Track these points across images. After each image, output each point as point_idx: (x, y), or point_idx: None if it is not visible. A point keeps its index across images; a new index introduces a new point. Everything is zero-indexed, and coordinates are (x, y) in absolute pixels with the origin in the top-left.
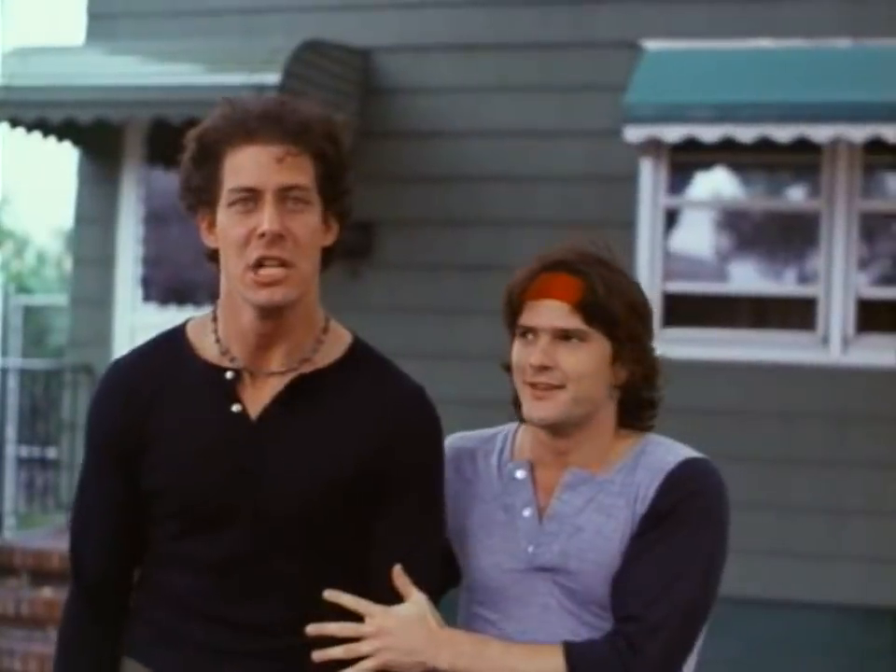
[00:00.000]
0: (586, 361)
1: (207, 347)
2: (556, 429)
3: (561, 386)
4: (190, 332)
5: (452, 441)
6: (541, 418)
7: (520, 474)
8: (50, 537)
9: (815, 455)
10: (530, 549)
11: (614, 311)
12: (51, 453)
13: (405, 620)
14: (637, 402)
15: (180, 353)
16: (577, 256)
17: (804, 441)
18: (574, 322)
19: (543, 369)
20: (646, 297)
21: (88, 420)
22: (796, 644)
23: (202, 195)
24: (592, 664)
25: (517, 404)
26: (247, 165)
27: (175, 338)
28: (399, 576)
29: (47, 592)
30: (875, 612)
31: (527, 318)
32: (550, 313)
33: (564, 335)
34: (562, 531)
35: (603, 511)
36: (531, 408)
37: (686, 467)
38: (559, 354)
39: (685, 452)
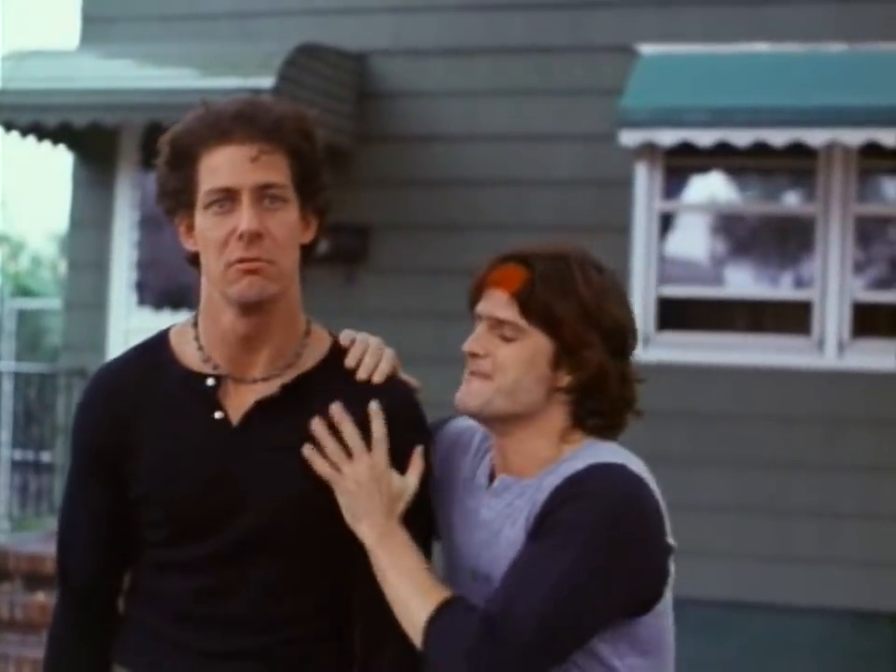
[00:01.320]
0: (516, 354)
1: (189, 354)
2: (489, 423)
3: (488, 376)
4: (172, 339)
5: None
6: (462, 403)
7: (481, 480)
8: (44, 541)
9: (810, 458)
10: (474, 555)
11: (556, 309)
12: (45, 456)
13: (380, 482)
14: (585, 409)
15: (162, 360)
16: (539, 251)
17: (799, 445)
18: (509, 313)
19: (474, 356)
20: (623, 311)
21: (73, 429)
22: (791, 648)
23: (179, 198)
24: (447, 634)
25: None
26: (222, 166)
27: (157, 345)
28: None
29: (41, 596)
30: (869, 616)
31: (478, 306)
32: (491, 301)
33: (499, 325)
34: (488, 538)
35: (511, 516)
36: (457, 395)
37: (585, 471)
38: (492, 343)
39: (603, 458)
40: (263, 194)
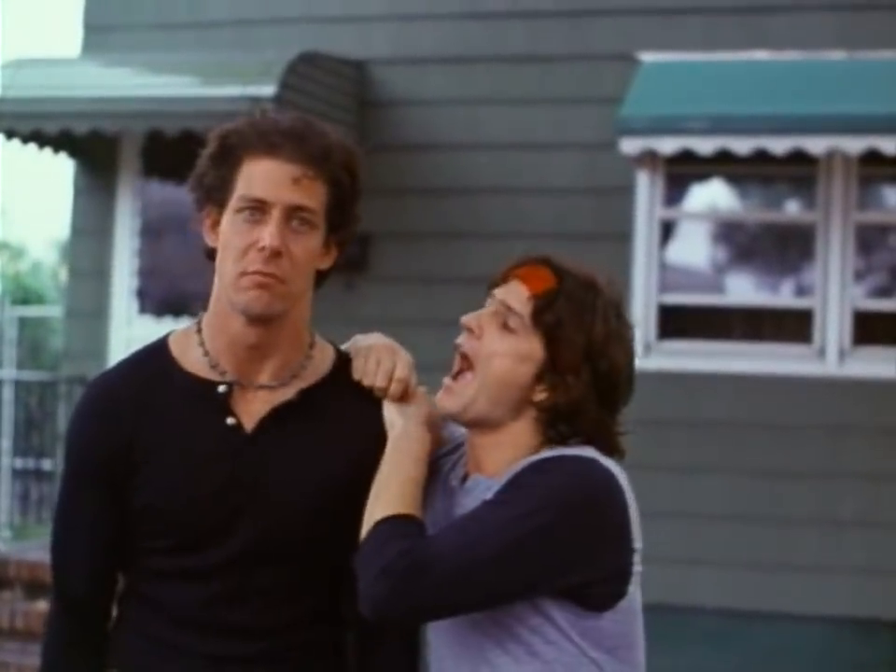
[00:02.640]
0: (508, 346)
1: (194, 361)
2: (468, 424)
3: (470, 368)
4: (173, 346)
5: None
6: (445, 408)
7: (454, 482)
8: (45, 549)
9: (811, 466)
10: None
11: (564, 329)
12: (46, 465)
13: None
14: (557, 432)
15: (165, 368)
16: (576, 270)
17: (800, 452)
18: (522, 308)
19: (468, 331)
20: (624, 361)
21: (69, 440)
22: (792, 656)
23: (212, 193)
24: (381, 542)
25: None
26: (263, 177)
27: (158, 353)
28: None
29: (41, 604)
30: (870, 624)
31: (496, 290)
32: (510, 291)
33: (506, 313)
34: None
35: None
36: (439, 398)
37: (554, 457)
38: (490, 326)
39: (569, 451)
40: (293, 215)
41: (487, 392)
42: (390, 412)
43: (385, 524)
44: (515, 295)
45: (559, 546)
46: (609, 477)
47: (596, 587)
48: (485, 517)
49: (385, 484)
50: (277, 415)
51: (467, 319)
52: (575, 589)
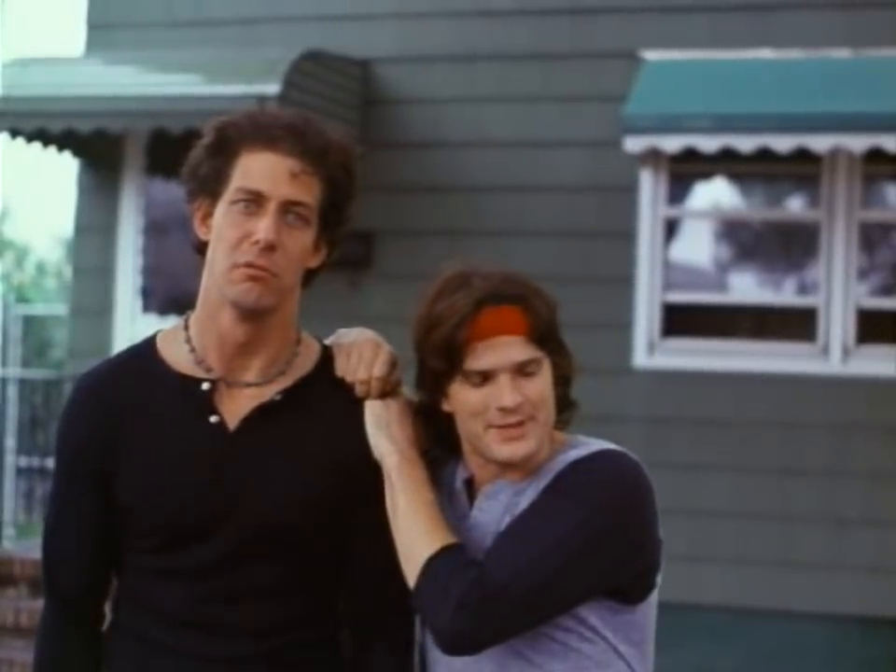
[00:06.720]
0: (545, 384)
1: (180, 358)
2: (526, 464)
3: (531, 419)
4: (161, 344)
5: None
6: (521, 456)
7: (458, 485)
8: None
9: (815, 465)
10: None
11: (553, 325)
12: (51, 463)
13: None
14: (565, 402)
15: (152, 365)
16: (501, 281)
17: (804, 451)
18: (530, 352)
19: (517, 407)
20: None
21: (58, 438)
22: (796, 654)
23: (206, 185)
24: (444, 578)
25: (447, 442)
26: (261, 170)
27: (146, 351)
28: None
29: None
30: (875, 622)
31: (480, 361)
32: (506, 349)
33: (520, 368)
34: (482, 538)
35: (510, 511)
36: (504, 450)
37: (593, 455)
38: (523, 387)
39: (603, 445)
40: (289, 209)
41: (549, 424)
42: (377, 439)
43: (436, 560)
44: (513, 349)
45: (616, 545)
46: (640, 469)
47: (641, 579)
48: (540, 530)
49: (414, 517)
50: (261, 413)
51: (511, 400)
52: (625, 584)
